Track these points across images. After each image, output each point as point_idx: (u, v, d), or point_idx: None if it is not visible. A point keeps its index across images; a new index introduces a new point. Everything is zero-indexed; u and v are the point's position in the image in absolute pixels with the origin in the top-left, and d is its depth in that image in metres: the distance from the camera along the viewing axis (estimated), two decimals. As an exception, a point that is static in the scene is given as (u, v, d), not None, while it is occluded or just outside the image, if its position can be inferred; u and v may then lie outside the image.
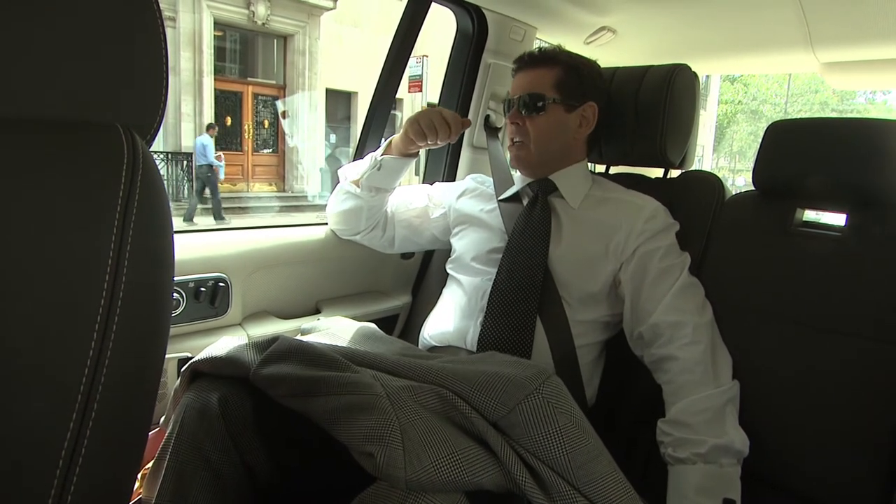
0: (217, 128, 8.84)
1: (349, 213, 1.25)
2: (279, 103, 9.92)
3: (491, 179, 1.25)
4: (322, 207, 1.34)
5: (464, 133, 1.53)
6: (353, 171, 1.25)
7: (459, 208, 1.24)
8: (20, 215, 0.39)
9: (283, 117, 10.02)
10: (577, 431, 0.67)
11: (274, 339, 0.79)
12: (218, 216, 8.32)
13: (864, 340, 0.94)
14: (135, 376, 0.45)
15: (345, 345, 0.93)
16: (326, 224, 1.33)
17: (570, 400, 0.71)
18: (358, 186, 1.22)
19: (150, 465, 0.77)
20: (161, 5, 0.46)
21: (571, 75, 1.11)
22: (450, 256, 1.23)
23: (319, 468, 0.83)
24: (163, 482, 0.72)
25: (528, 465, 0.65)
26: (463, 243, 1.19)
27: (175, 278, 0.50)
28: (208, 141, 8.17)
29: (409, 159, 1.21)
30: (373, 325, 1.05)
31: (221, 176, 8.49)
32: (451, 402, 0.67)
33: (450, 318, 1.12)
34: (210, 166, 8.11)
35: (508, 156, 1.23)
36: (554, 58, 1.12)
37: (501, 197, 1.17)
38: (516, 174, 1.22)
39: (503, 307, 1.03)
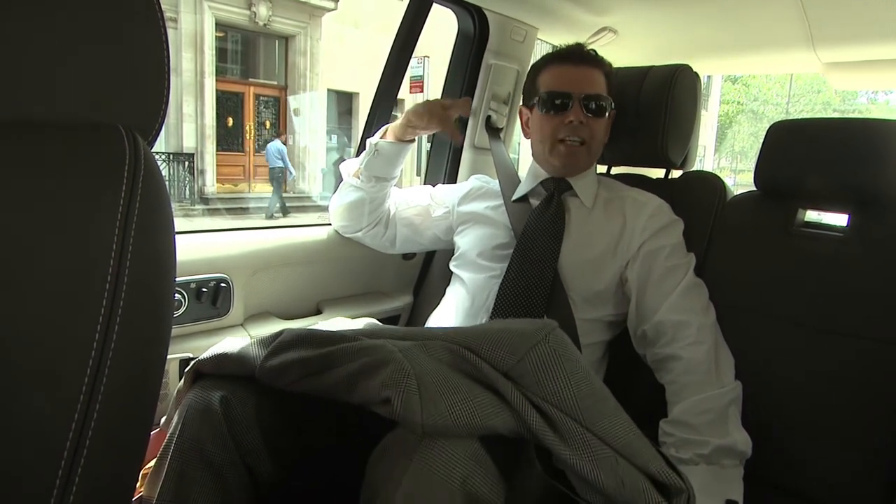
0: (286, 134, 9.80)
1: (352, 207, 1.26)
2: (291, 99, 10.01)
3: (494, 179, 1.25)
4: (325, 208, 1.34)
5: (465, 133, 1.53)
6: (353, 165, 1.26)
7: (463, 208, 1.24)
8: (22, 216, 0.39)
9: (296, 115, 10.14)
10: (583, 374, 0.68)
11: (279, 333, 0.79)
12: (285, 213, 9.18)
13: (865, 341, 0.93)
14: (137, 377, 0.45)
15: None
16: (328, 224, 1.33)
17: (575, 349, 0.72)
18: (359, 178, 1.23)
19: (151, 463, 0.77)
20: (163, 6, 0.46)
21: (612, 81, 1.13)
22: (453, 255, 1.23)
23: (322, 467, 0.83)
24: (164, 482, 0.72)
25: (538, 408, 0.65)
26: (467, 240, 1.19)
27: (177, 279, 0.50)
28: (282, 146, 8.95)
29: (405, 145, 1.22)
30: (374, 320, 1.05)
31: (292, 177, 9.55)
32: (461, 354, 0.68)
33: (453, 317, 1.12)
34: (284, 168, 8.95)
35: (515, 155, 1.22)
36: (600, 60, 1.13)
37: (515, 197, 1.17)
38: (524, 172, 1.22)
39: (511, 306, 1.03)
